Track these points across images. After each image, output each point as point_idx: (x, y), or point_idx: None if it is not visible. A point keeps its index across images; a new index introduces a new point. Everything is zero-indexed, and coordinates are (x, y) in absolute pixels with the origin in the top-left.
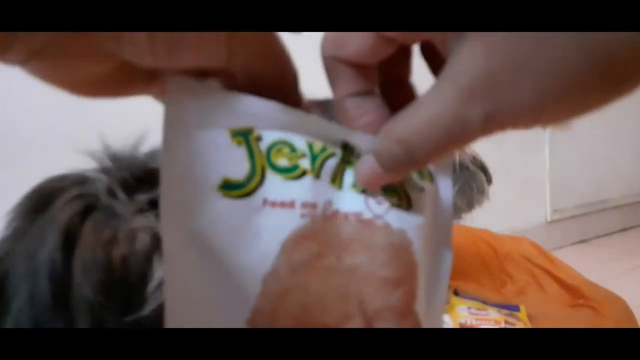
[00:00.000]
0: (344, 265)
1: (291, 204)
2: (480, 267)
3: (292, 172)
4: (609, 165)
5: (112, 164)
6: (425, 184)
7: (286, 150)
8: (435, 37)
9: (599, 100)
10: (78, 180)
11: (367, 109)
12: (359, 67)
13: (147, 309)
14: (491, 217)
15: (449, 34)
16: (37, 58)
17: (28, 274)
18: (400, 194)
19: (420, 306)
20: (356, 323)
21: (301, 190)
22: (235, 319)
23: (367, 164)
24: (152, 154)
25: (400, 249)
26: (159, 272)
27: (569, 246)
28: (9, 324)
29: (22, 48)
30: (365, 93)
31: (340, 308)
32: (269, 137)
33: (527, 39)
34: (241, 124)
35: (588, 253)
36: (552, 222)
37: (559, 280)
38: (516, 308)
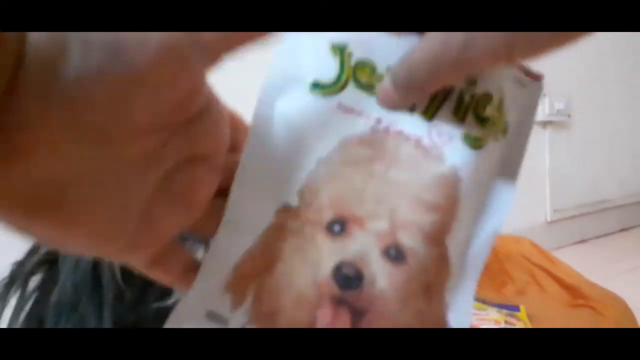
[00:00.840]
0: (389, 176)
1: (359, 113)
2: None
3: (368, 90)
4: (608, 165)
5: None
6: (499, 136)
7: (368, 70)
8: None
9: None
10: None
11: None
12: None
13: (172, 300)
14: None
15: None
16: None
17: None
18: (483, 128)
19: (454, 242)
20: (382, 225)
21: (371, 104)
22: (291, 186)
23: (385, 82)
24: None
25: (446, 182)
26: None
27: (569, 246)
28: (56, 291)
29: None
30: None
31: (372, 207)
32: (358, 55)
33: None
34: (340, 40)
35: (588, 253)
36: (552, 222)
37: (559, 280)
38: (516, 308)
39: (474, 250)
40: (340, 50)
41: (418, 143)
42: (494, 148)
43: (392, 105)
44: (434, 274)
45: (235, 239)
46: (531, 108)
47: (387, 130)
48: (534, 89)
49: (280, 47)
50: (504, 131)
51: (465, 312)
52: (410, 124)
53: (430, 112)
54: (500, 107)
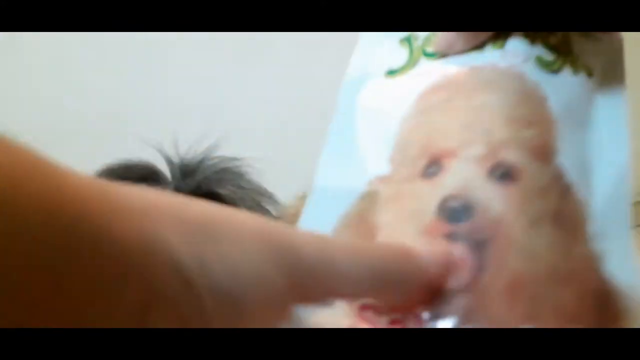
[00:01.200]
0: (473, 103)
1: (431, 73)
2: None
3: (438, 55)
4: None
5: (180, 171)
6: (580, 71)
7: (434, 38)
8: None
9: None
10: (145, 174)
11: None
12: None
13: None
14: None
15: None
16: None
17: None
18: (562, 59)
19: (569, 166)
20: (479, 148)
21: (441, 63)
22: (379, 157)
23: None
24: (228, 159)
25: (533, 98)
26: None
27: None
28: None
29: None
30: None
31: (462, 135)
32: (423, 34)
33: None
34: (406, 34)
35: None
36: None
37: None
38: None
39: (607, 197)
40: (408, 40)
41: (495, 67)
42: (580, 80)
43: (454, 47)
44: (559, 200)
45: (322, 209)
46: (613, 59)
47: (459, 71)
48: (609, 42)
49: (356, 49)
50: (586, 69)
51: (631, 267)
52: (481, 57)
53: (500, 42)
54: (566, 46)
